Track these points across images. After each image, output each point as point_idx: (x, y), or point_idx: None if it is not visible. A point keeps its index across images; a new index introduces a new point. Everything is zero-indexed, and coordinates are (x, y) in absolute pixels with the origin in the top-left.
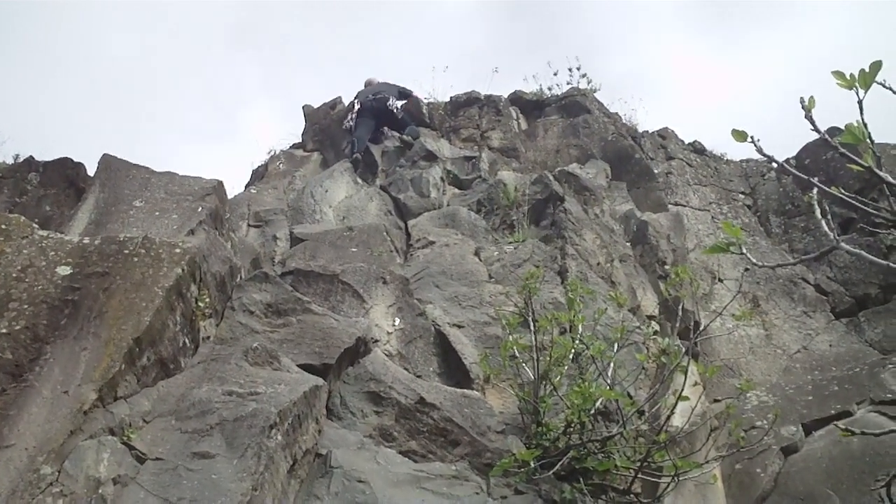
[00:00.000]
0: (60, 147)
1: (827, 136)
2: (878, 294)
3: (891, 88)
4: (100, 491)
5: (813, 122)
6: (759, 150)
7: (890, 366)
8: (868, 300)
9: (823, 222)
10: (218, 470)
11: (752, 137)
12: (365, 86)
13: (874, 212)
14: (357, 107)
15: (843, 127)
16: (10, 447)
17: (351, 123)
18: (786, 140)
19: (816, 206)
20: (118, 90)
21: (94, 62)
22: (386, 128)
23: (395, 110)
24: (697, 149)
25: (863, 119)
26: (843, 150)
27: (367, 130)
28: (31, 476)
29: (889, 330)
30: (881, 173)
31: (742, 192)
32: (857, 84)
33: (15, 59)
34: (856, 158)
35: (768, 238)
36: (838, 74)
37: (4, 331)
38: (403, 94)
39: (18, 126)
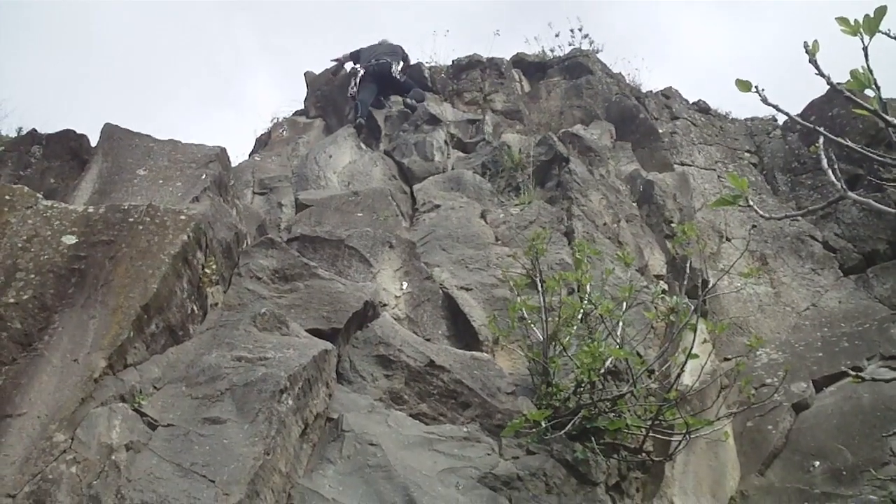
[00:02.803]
0: (62, 119)
1: (832, 82)
2: (887, 250)
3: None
4: (112, 457)
5: (817, 66)
6: (764, 100)
7: None
8: (876, 256)
9: (830, 172)
10: (229, 435)
11: (756, 87)
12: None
13: (881, 158)
14: (361, 73)
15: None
16: (23, 415)
17: (354, 90)
18: (790, 101)
19: (823, 156)
20: (117, 60)
21: (92, 32)
22: (390, 94)
23: (397, 76)
24: (702, 108)
25: (868, 65)
26: (848, 92)
27: (370, 95)
28: (44, 444)
29: None
30: (887, 117)
31: (748, 151)
32: (861, 30)
33: (16, 33)
34: (862, 102)
35: (775, 196)
36: (842, 20)
37: (12, 300)
38: (406, 59)
39: (20, 99)
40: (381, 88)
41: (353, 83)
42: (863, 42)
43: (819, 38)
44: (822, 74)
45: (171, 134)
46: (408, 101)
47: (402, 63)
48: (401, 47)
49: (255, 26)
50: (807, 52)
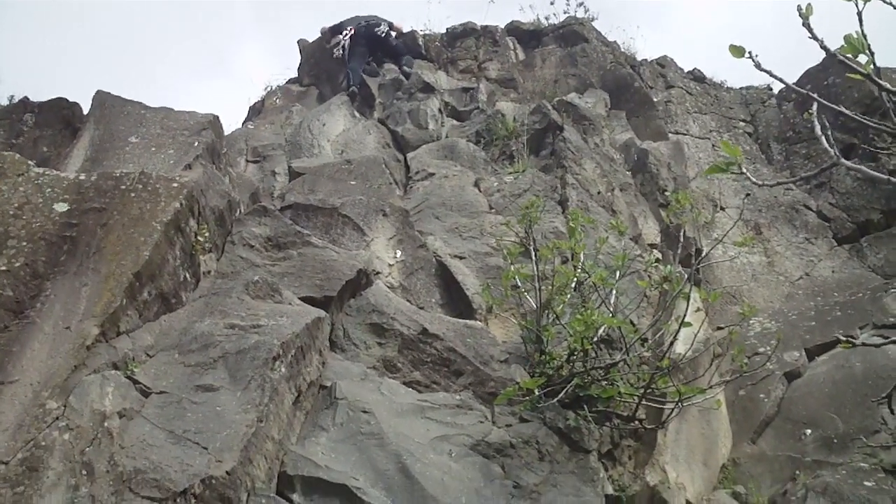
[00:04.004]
0: (55, 87)
1: (825, 46)
2: (880, 219)
3: (892, 3)
4: (105, 424)
5: (810, 29)
6: (758, 66)
7: (892, 290)
8: (870, 225)
9: (823, 138)
10: (222, 402)
11: (750, 53)
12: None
13: (877, 125)
14: (350, 32)
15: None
16: (15, 382)
17: (341, 52)
18: (787, 70)
19: (816, 122)
20: (109, 26)
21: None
22: (384, 59)
23: (388, 37)
24: (697, 77)
25: (862, 31)
26: (842, 57)
27: (361, 60)
28: (36, 411)
29: (891, 255)
30: (880, 81)
31: (742, 120)
32: None
33: (8, 3)
34: (855, 66)
35: (770, 165)
36: None
37: (4, 268)
38: (392, 27)
39: (12, 67)
40: (372, 51)
41: (340, 44)
42: (857, 7)
43: (817, 7)
44: (815, 37)
45: (163, 102)
46: (405, 69)
47: (386, 24)
48: (383, 19)
49: None
50: (800, 14)
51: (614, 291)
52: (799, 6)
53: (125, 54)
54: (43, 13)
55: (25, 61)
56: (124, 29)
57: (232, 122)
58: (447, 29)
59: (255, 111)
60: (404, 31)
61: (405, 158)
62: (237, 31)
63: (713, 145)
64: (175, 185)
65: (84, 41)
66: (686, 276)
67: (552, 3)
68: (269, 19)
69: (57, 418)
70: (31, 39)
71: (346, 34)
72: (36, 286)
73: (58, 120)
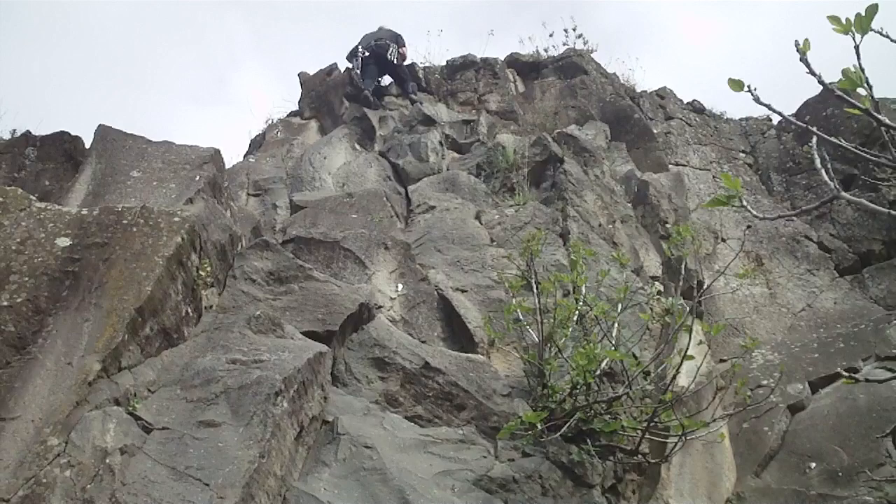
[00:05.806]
0: (56, 120)
1: (823, 81)
2: (882, 250)
3: (888, 36)
4: (107, 461)
5: (808, 65)
6: (756, 99)
7: (895, 321)
8: (872, 256)
9: (823, 171)
10: (224, 438)
11: (748, 86)
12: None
13: (876, 158)
14: (365, 54)
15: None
16: (16, 419)
17: (358, 72)
18: (787, 100)
19: (816, 155)
20: (111, 58)
21: (85, 31)
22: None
23: (393, 60)
24: (697, 108)
25: (860, 64)
26: (839, 91)
27: (372, 76)
28: (38, 447)
29: (893, 286)
30: (878, 116)
31: (742, 151)
32: (853, 28)
33: (9, 34)
34: (853, 101)
35: (770, 196)
36: (834, 19)
37: (6, 303)
38: (399, 49)
39: (14, 101)
40: (381, 71)
41: (355, 65)
42: (854, 40)
43: (815, 37)
44: (812, 73)
45: (164, 133)
46: (412, 96)
47: (395, 48)
48: (394, 33)
49: (249, 23)
50: (798, 50)
51: (616, 324)
52: (796, 41)
53: (127, 85)
54: (43, 46)
55: (27, 94)
56: (125, 60)
57: (233, 153)
58: (447, 61)
59: (256, 144)
60: (405, 52)
61: (406, 191)
62: (238, 61)
63: (713, 176)
64: (177, 219)
65: (86, 73)
66: (688, 308)
67: (551, 36)
68: (269, 48)
69: (58, 455)
70: (33, 72)
71: (360, 55)
72: (38, 321)
73: (60, 154)
